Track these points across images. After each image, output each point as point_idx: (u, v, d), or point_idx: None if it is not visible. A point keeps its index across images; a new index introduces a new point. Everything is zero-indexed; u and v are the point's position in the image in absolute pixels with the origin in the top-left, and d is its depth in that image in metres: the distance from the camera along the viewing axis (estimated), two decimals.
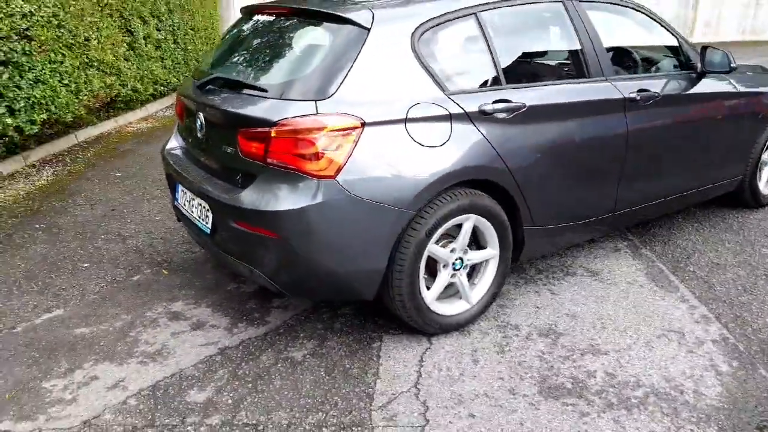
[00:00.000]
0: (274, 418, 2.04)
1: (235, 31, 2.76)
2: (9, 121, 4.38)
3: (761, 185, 3.92)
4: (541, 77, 2.73)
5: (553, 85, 2.70)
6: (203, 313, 2.74)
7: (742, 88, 3.48)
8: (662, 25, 3.23)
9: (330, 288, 2.29)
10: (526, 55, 2.79)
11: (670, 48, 3.35)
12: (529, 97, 2.54)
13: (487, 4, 2.54)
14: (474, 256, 2.53)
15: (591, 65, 2.81)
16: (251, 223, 2.18)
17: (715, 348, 2.45)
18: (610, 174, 2.91)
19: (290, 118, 2.08)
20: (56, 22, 5.00)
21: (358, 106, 2.13)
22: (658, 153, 3.12)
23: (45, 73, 4.81)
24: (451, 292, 2.56)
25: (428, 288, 2.43)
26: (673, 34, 3.26)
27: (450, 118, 2.31)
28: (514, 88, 2.52)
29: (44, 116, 4.83)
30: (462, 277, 2.51)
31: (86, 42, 5.57)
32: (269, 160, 2.13)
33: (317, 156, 2.06)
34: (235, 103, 2.30)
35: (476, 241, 2.58)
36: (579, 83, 2.76)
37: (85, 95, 5.56)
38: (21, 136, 4.76)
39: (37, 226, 3.73)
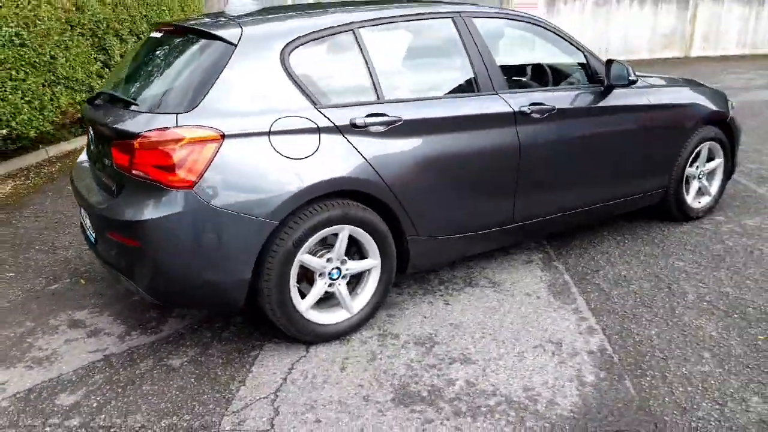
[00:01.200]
0: (129, 422, 2.11)
1: (137, 48, 2.88)
2: None
3: (689, 198, 3.93)
4: (425, 92, 2.80)
5: (434, 99, 2.76)
6: (103, 321, 2.83)
7: (658, 101, 3.52)
8: (566, 40, 3.30)
9: (197, 297, 2.36)
10: (409, 70, 2.87)
11: (582, 62, 3.40)
12: (407, 111, 2.61)
13: (367, 20, 2.64)
14: (353, 266, 2.59)
15: (480, 80, 2.88)
16: (118, 233, 2.28)
17: (588, 359, 2.47)
18: (503, 186, 2.97)
19: (150, 131, 2.17)
20: (19, 41, 5.21)
21: (219, 119, 2.22)
22: (562, 165, 3.16)
23: (5, 90, 5.00)
24: (335, 301, 2.62)
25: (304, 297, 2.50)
26: (578, 49, 3.32)
27: (318, 130, 2.39)
28: (391, 102, 2.60)
29: (4, 132, 5.02)
30: (341, 286, 2.57)
31: (53, 60, 5.77)
32: (134, 171, 2.23)
33: (174, 167, 2.15)
34: (112, 117, 2.41)
35: (360, 251, 2.64)
36: (463, 97, 2.83)
37: (51, 112, 5.74)
38: None
39: None
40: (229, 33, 2.36)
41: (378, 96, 2.59)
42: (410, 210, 2.66)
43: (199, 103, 2.23)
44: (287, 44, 2.42)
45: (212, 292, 2.32)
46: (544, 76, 3.41)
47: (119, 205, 2.28)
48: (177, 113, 2.21)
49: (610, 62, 3.26)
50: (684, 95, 3.71)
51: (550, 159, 3.11)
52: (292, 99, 2.38)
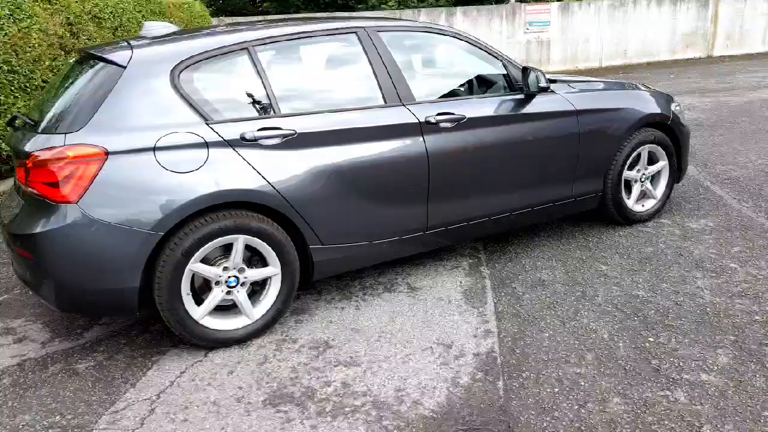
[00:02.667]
0: (17, 420, 2.28)
1: (60, 73, 3.10)
2: None
3: (629, 202, 3.90)
4: (325, 105, 2.90)
5: (332, 112, 2.87)
6: (34, 329, 3.03)
7: (584, 106, 3.53)
8: (483, 49, 3.36)
9: (92, 305, 2.53)
10: (308, 85, 2.98)
11: (502, 71, 3.44)
12: (303, 124, 2.73)
13: (263, 38, 2.78)
14: (251, 274, 2.72)
15: (385, 92, 2.98)
16: (17, 246, 2.47)
17: (472, 361, 2.52)
18: (412, 194, 3.04)
19: (39, 150, 2.36)
20: (8, 68, 5.58)
21: (105, 137, 2.40)
22: (477, 173, 3.22)
23: None
24: (238, 308, 2.74)
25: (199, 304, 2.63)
26: (496, 57, 3.38)
27: (207, 145, 2.53)
28: (286, 117, 2.73)
29: None
30: (240, 294, 2.70)
31: (45, 83, 6.14)
32: (28, 189, 2.42)
33: (59, 183, 2.33)
34: (18, 138, 2.61)
35: (263, 260, 2.76)
36: (364, 109, 2.93)
37: None
38: None
39: None
40: (119, 56, 2.54)
41: (274, 111, 2.73)
42: (310, 219, 2.77)
43: (88, 122, 2.41)
44: (177, 64, 2.58)
45: (105, 300, 2.49)
46: (468, 87, 3.47)
47: (18, 220, 2.48)
48: (66, 133, 2.39)
49: (525, 70, 3.31)
50: (614, 100, 3.70)
51: (464, 167, 3.17)
52: (181, 116, 2.54)
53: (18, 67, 5.71)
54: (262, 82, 2.72)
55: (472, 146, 3.17)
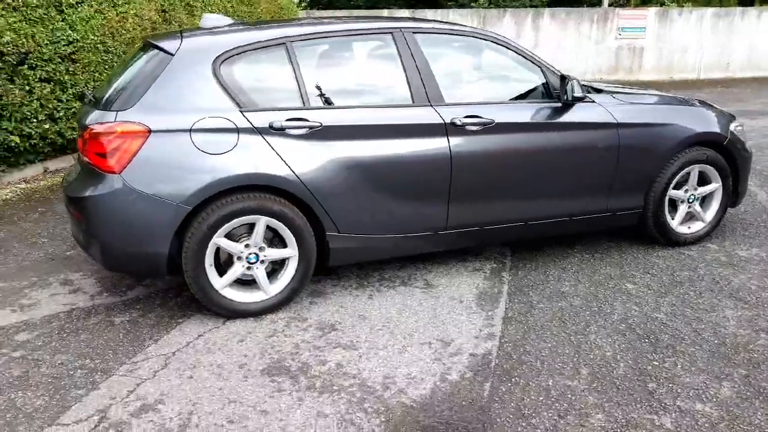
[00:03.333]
0: (55, 358, 2.60)
1: (126, 57, 3.43)
2: (47, 126, 5.53)
3: (673, 223, 3.75)
4: (353, 101, 3.03)
5: (359, 108, 3.00)
6: (88, 283, 3.40)
7: (627, 119, 3.44)
8: (523, 55, 3.35)
9: (128, 265, 2.83)
10: (340, 81, 3.11)
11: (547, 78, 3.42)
12: (329, 117, 2.89)
13: (301, 35, 2.95)
14: (271, 253, 2.91)
15: (414, 92, 3.07)
16: (71, 208, 2.80)
17: (466, 360, 2.57)
18: (434, 193, 3.12)
19: (94, 124, 2.67)
20: (103, 48, 6.16)
21: (150, 116, 2.66)
22: (504, 178, 3.24)
23: (90, 89, 5.95)
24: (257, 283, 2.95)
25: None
26: (535, 64, 3.36)
27: (237, 131, 2.75)
28: (314, 109, 2.89)
29: None
30: (259, 270, 2.90)
31: None
32: (84, 158, 2.74)
33: (107, 155, 2.62)
34: (82, 113, 2.94)
35: (282, 241, 2.95)
36: (391, 107, 3.03)
37: None
38: (63, 139, 5.91)
39: (38, 207, 4.71)
40: (170, 44, 2.81)
41: (304, 103, 2.90)
42: (329, 208, 2.92)
43: (137, 102, 2.69)
44: (220, 55, 2.81)
45: (140, 262, 2.77)
46: (504, 92, 3.47)
47: (73, 185, 2.82)
48: (119, 110, 2.69)
49: (563, 78, 3.27)
50: (662, 115, 3.56)
51: (490, 170, 3.20)
52: (218, 102, 2.76)
53: (113, 48, 6.29)
54: (296, 76, 2.90)
55: (499, 151, 3.19)
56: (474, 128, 3.12)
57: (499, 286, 3.30)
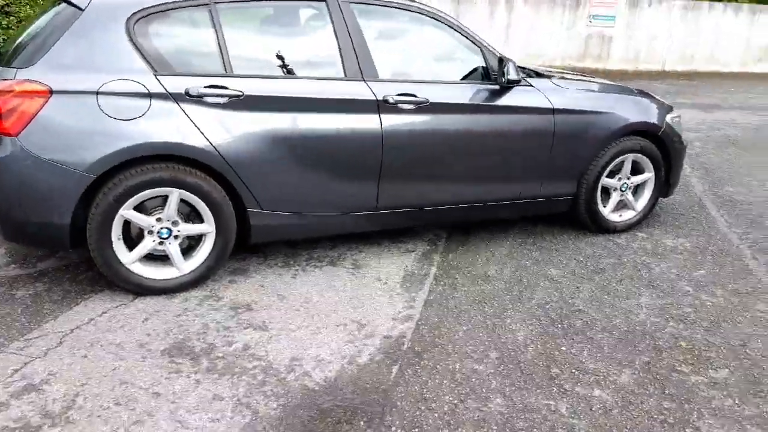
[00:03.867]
0: None
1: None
2: None
3: (605, 210, 3.77)
4: (281, 71, 2.92)
5: (286, 78, 2.89)
6: None
7: (563, 105, 3.41)
8: (464, 34, 3.27)
9: (28, 235, 2.68)
10: (268, 49, 2.97)
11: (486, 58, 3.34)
12: (251, 86, 2.77)
13: None
14: (185, 229, 2.81)
15: (347, 65, 2.97)
16: None
17: (379, 343, 2.54)
18: (363, 172, 3.05)
19: None
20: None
21: (52, 76, 2.50)
22: (436, 158, 3.19)
23: None
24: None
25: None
26: (476, 44, 3.28)
27: (150, 96, 2.61)
28: (236, 77, 2.76)
29: None
30: (172, 245, 2.79)
31: None
32: None
33: (2, 115, 2.45)
34: None
35: (200, 216, 2.84)
36: (320, 80, 2.93)
37: None
38: None
39: None
40: None
41: (226, 70, 2.77)
42: (249, 183, 2.82)
43: (40, 60, 2.52)
44: (135, 12, 2.65)
45: (38, 233, 2.63)
46: (443, 71, 3.39)
47: None
48: (19, 68, 2.52)
49: (501, 60, 3.21)
50: (599, 102, 3.55)
51: (423, 151, 3.14)
52: (131, 64, 2.61)
53: None
54: (218, 40, 2.76)
55: (432, 131, 3.13)
56: (407, 107, 3.04)
57: (428, 269, 3.27)
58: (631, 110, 3.65)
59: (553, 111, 3.39)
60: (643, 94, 3.92)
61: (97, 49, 2.60)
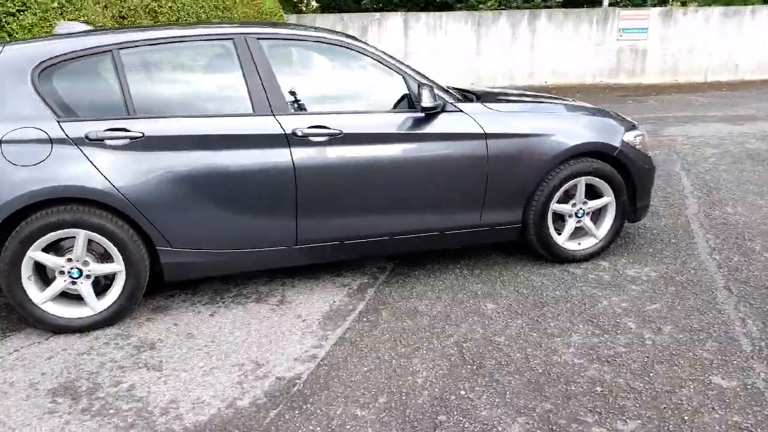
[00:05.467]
0: None
1: None
2: None
3: (559, 238, 3.54)
4: (187, 110, 2.92)
5: (187, 117, 2.89)
6: None
7: (496, 129, 3.25)
8: (382, 62, 3.18)
9: None
10: (172, 90, 3.01)
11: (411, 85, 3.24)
12: (152, 127, 2.79)
13: (129, 42, 2.86)
14: (96, 269, 2.84)
15: (255, 100, 2.95)
16: None
17: (269, 385, 2.45)
18: (278, 207, 3.00)
19: None
20: None
21: None
22: (356, 190, 3.10)
23: None
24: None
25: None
26: (396, 71, 3.19)
27: (51, 141, 2.67)
28: (138, 119, 2.80)
29: None
30: (83, 285, 2.83)
31: None
32: None
33: None
34: None
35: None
36: (224, 117, 2.93)
37: None
38: None
39: None
40: None
41: (128, 113, 2.81)
42: (156, 222, 2.83)
43: None
44: (40, 63, 2.74)
45: None
46: (362, 101, 3.31)
47: None
48: None
49: (420, 86, 3.11)
50: (538, 124, 3.36)
51: (340, 183, 3.06)
52: (35, 112, 2.70)
53: None
54: (120, 84, 2.81)
55: (348, 162, 3.05)
56: (319, 139, 2.99)
57: (356, 304, 3.16)
58: (578, 131, 3.42)
59: (486, 136, 3.24)
60: (599, 112, 3.68)
61: (3, 100, 2.70)
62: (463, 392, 2.37)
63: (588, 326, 2.86)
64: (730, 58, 14.75)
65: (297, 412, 2.28)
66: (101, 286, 2.91)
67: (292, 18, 14.56)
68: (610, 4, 15.54)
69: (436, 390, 2.39)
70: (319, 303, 3.17)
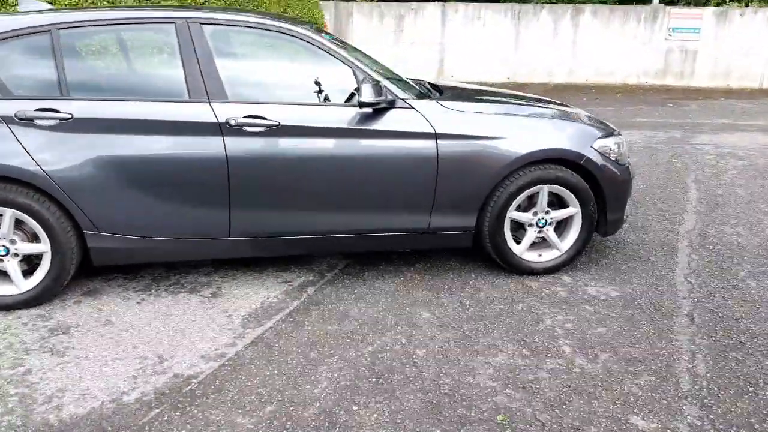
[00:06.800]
0: None
1: None
2: None
3: (518, 248, 3.31)
4: (122, 94, 2.87)
5: (119, 100, 2.83)
6: None
7: (448, 130, 3.05)
8: (332, 54, 3.03)
9: None
10: (108, 72, 2.96)
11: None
12: (82, 109, 2.75)
13: (69, 22, 2.82)
14: (23, 248, 2.84)
15: (191, 87, 2.86)
16: None
17: (164, 381, 2.38)
18: (211, 198, 2.91)
19: None
20: None
21: None
22: (294, 185, 2.98)
23: None
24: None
25: None
26: (347, 64, 3.03)
27: None
28: (69, 100, 2.76)
29: None
30: (10, 263, 2.84)
31: None
32: None
33: None
34: None
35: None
36: (157, 102, 2.85)
37: None
38: None
39: None
40: None
41: (62, 93, 2.78)
42: (83, 205, 2.80)
43: None
44: None
45: None
46: (309, 93, 3.15)
47: None
48: None
49: (363, 80, 2.94)
50: (495, 127, 3.13)
51: (277, 176, 2.95)
52: None
53: None
54: (56, 64, 2.78)
55: (285, 156, 2.93)
56: (254, 129, 2.88)
57: (290, 302, 3.05)
58: (538, 136, 3.17)
59: (436, 136, 3.05)
60: (570, 117, 3.42)
61: None
62: (355, 408, 2.23)
63: (518, 346, 2.66)
64: None
65: (178, 413, 2.20)
66: (33, 266, 2.92)
67: (330, 6, 14.44)
68: (661, 2, 14.72)
69: (329, 403, 2.26)
70: (253, 298, 3.08)
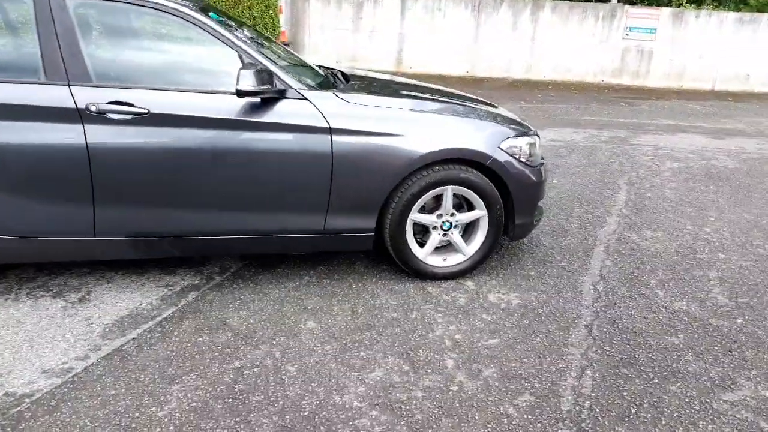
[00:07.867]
0: None
1: None
2: None
3: (420, 252, 3.12)
4: None
5: None
6: None
7: (344, 125, 2.82)
8: (217, 36, 2.75)
9: None
10: None
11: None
12: None
13: None
14: None
15: (48, 66, 2.55)
16: None
17: (11, 384, 2.11)
18: (70, 193, 2.63)
19: None
20: None
21: None
22: (167, 181, 2.72)
23: None
24: None
25: None
26: (233, 48, 2.75)
27: None
28: None
29: None
30: None
31: None
32: None
33: None
34: None
35: None
36: (6, 83, 2.53)
37: None
38: None
39: None
40: None
41: None
42: None
43: None
44: None
45: None
46: (187, 77, 2.87)
47: None
48: None
49: (244, 66, 2.67)
50: (394, 123, 2.91)
51: (145, 170, 2.67)
52: None
53: None
54: None
55: (155, 148, 2.66)
56: (120, 117, 2.59)
57: (164, 309, 2.79)
58: (440, 134, 2.97)
59: (330, 131, 2.82)
60: (482, 115, 3.24)
61: None
62: (208, 430, 2.01)
63: (399, 360, 2.47)
64: (741, 68, 13.98)
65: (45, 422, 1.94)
66: None
67: None
68: (620, 0, 14.77)
69: (171, 428, 2.03)
70: (123, 304, 2.81)
